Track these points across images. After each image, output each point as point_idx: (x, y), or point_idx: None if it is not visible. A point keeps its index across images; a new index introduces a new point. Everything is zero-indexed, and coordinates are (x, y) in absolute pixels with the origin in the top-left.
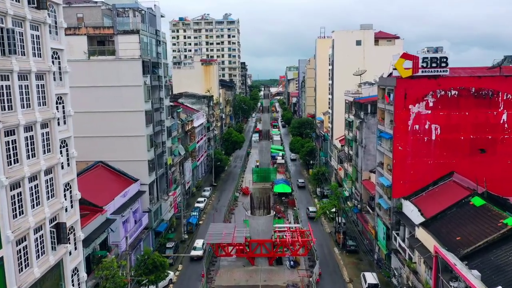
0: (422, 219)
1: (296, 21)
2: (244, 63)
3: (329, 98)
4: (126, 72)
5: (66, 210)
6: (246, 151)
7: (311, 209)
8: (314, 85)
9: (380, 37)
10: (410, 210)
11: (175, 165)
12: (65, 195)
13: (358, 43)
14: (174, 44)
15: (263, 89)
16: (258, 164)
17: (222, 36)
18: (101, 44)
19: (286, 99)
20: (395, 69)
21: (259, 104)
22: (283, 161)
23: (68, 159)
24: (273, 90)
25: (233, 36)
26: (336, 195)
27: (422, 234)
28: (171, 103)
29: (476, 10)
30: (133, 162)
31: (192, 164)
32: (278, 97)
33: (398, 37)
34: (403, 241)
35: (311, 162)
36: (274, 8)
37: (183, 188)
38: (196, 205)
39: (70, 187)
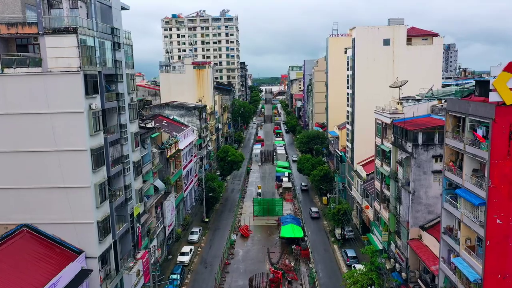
0: None
1: (296, 18)
2: (243, 63)
3: (348, 111)
4: (58, 92)
5: None
6: (246, 168)
7: (313, 209)
8: (325, 90)
9: (413, 34)
10: None
11: (148, 211)
12: None
13: (386, 42)
14: (166, 44)
15: (264, 91)
16: (260, 191)
17: (219, 34)
18: (22, 49)
19: (289, 101)
20: (492, 90)
21: (260, 105)
22: (289, 184)
23: None
24: (275, 89)
25: (231, 35)
26: (374, 265)
27: None
28: (145, 125)
29: (478, 4)
30: (74, 225)
31: (176, 199)
32: (280, 97)
33: (436, 34)
34: None
35: (327, 195)
36: (273, 5)
37: (163, 235)
38: (179, 259)
39: None
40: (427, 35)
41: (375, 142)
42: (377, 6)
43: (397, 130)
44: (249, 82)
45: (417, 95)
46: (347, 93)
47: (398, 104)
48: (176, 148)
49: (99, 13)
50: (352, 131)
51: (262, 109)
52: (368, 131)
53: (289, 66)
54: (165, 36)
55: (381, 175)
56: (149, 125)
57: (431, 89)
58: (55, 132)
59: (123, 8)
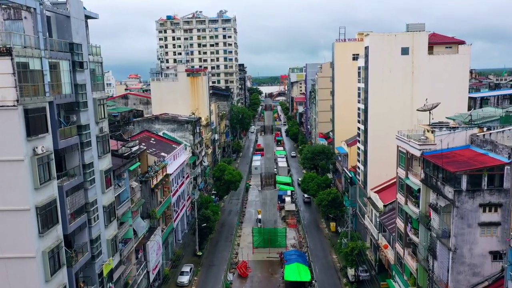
0: None
1: (295, 15)
2: (242, 64)
3: (359, 129)
4: None
5: None
6: (245, 184)
7: (306, 195)
8: (329, 98)
9: (435, 42)
10: None
11: (127, 258)
12: None
13: (405, 51)
14: (161, 47)
15: (264, 94)
16: (260, 216)
17: (217, 36)
18: None
19: (290, 104)
20: None
21: (259, 109)
22: (293, 205)
23: None
24: (274, 89)
25: (229, 37)
26: None
27: None
28: (121, 155)
29: (478, 1)
30: None
31: (164, 232)
32: (280, 99)
33: (463, 42)
34: None
35: (337, 228)
36: (271, 2)
37: (146, 282)
38: None
39: None
40: (452, 43)
41: (397, 173)
42: (376, 2)
43: (429, 166)
44: (248, 84)
45: (448, 118)
46: (358, 108)
47: (428, 131)
48: (164, 174)
49: (54, 25)
50: (365, 152)
51: (262, 114)
52: (383, 151)
53: (290, 68)
54: (160, 39)
55: (405, 214)
56: (129, 149)
57: (470, 115)
58: None
59: (88, 17)
